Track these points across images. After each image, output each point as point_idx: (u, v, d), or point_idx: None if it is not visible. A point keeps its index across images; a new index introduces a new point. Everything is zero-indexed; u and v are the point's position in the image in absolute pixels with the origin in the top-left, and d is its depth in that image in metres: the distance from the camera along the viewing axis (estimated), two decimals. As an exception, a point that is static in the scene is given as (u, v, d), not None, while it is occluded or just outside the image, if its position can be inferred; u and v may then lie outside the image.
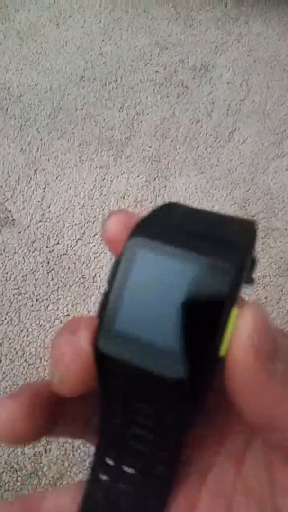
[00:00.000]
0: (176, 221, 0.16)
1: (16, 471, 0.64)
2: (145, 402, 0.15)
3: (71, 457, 0.65)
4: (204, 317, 0.14)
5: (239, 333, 0.13)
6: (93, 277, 0.77)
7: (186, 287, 0.14)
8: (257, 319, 0.13)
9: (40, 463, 0.65)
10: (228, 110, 0.97)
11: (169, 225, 0.15)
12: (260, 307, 0.14)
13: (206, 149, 0.91)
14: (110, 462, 0.17)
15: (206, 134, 0.93)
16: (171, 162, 0.89)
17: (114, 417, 0.16)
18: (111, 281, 0.15)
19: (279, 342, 0.14)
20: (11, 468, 0.64)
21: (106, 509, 0.17)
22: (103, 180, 0.85)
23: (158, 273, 0.14)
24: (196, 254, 0.14)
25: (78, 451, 0.66)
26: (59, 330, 0.16)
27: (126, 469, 0.17)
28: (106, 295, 0.15)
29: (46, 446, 0.66)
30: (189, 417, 0.15)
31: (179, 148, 0.91)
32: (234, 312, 0.14)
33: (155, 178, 0.87)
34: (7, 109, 0.91)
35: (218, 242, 0.15)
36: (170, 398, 0.15)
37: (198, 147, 0.91)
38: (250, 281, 0.17)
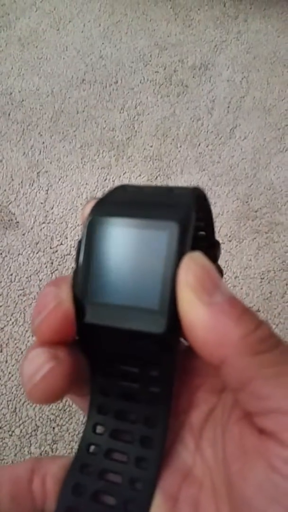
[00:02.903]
0: (126, 198, 0.18)
1: (23, 470, 0.64)
2: (130, 362, 0.17)
3: (77, 455, 0.65)
4: (163, 271, 0.15)
5: (179, 277, 0.15)
6: (97, 277, 0.78)
7: (141, 249, 0.16)
8: (190, 262, 0.15)
9: (47, 461, 0.65)
10: (228, 107, 0.97)
11: (120, 202, 0.17)
12: (197, 255, 0.15)
13: (207, 147, 0.91)
14: (101, 420, 0.18)
15: (207, 131, 0.93)
16: (172, 161, 0.89)
17: (102, 380, 0.18)
18: (77, 258, 0.16)
19: (216, 280, 0.15)
20: (18, 467, 0.64)
21: (102, 462, 0.18)
22: (105, 180, 0.86)
23: (115, 243, 0.16)
24: (143, 220, 0.16)
25: (84, 449, 0.66)
26: (46, 283, 0.17)
27: (119, 427, 0.18)
28: (75, 272, 0.16)
29: (52, 446, 0.66)
30: (170, 370, 0.17)
31: (180, 146, 0.91)
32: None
33: (156, 177, 0.87)
34: (9, 114, 0.92)
35: (160, 207, 0.16)
36: (152, 352, 0.16)
37: (199, 144, 0.91)
38: (214, 260, 0.19)
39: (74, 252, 0.79)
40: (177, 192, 0.18)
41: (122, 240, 0.16)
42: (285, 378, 0.15)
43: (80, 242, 0.16)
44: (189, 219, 0.16)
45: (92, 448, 0.18)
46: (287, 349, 0.15)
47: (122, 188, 0.18)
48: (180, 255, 0.15)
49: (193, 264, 0.15)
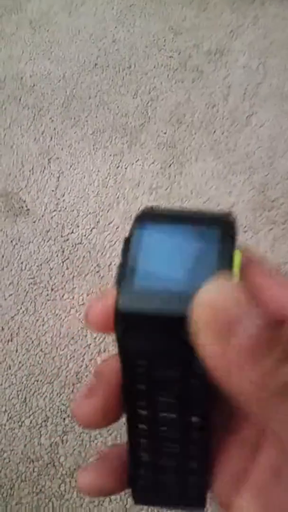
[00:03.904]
0: (166, 214, 0.18)
1: (32, 461, 0.63)
2: (169, 362, 0.16)
3: (87, 448, 0.64)
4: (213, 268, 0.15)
5: (197, 302, 0.14)
6: (109, 266, 0.76)
7: (191, 249, 0.16)
8: (213, 295, 0.14)
9: (57, 453, 0.64)
10: (244, 94, 0.95)
11: (163, 215, 0.18)
12: (224, 284, 0.14)
13: (222, 134, 0.89)
14: (143, 426, 0.18)
15: (223, 118, 0.91)
16: (187, 148, 0.87)
17: (138, 384, 0.17)
18: (124, 251, 0.16)
19: (234, 320, 0.14)
20: (27, 458, 0.63)
21: (153, 470, 0.18)
22: (117, 167, 0.84)
23: (165, 245, 0.16)
24: (191, 225, 0.16)
25: (95, 441, 0.64)
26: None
27: (161, 433, 0.18)
28: (121, 265, 0.16)
29: (62, 437, 0.65)
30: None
31: (195, 133, 0.88)
32: (237, 254, 0.16)
33: (170, 165, 0.85)
34: (20, 99, 0.90)
35: (205, 219, 0.17)
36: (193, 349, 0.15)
37: (214, 132, 0.89)
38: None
39: (86, 242, 0.77)
40: (215, 213, 0.18)
41: (172, 243, 0.16)
42: None
43: (127, 239, 0.16)
44: (235, 225, 0.16)
45: None
46: None
47: (155, 209, 0.18)
48: (231, 255, 0.16)
49: (205, 298, 0.14)
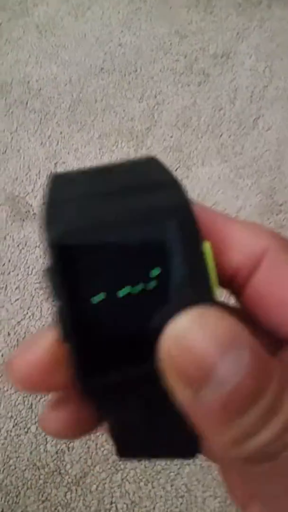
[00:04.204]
0: (83, 190, 0.13)
1: (38, 468, 0.63)
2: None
3: (94, 455, 0.63)
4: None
5: (166, 336, 0.11)
6: (115, 270, 0.75)
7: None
8: (184, 331, 0.11)
9: (63, 461, 0.63)
10: (251, 97, 0.94)
11: (82, 202, 0.13)
12: (203, 315, 0.11)
13: (229, 137, 0.88)
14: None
15: (230, 121, 0.90)
16: (193, 152, 0.86)
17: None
18: (55, 293, 0.12)
19: (207, 369, 0.11)
20: (33, 465, 0.63)
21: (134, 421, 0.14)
22: (123, 171, 0.83)
23: (109, 254, 0.12)
24: (131, 215, 0.12)
25: (102, 449, 0.64)
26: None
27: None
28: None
29: (68, 444, 0.64)
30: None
31: (201, 137, 0.88)
32: (207, 247, 0.12)
33: (176, 169, 0.84)
34: (27, 103, 0.90)
35: (143, 191, 0.13)
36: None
37: (221, 135, 0.88)
38: None
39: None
40: (141, 167, 0.14)
41: (114, 251, 0.12)
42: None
43: (50, 270, 0.12)
44: (185, 197, 0.13)
45: None
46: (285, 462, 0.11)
47: (62, 179, 0.14)
48: (199, 242, 0.12)
49: (172, 340, 0.11)
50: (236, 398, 0.11)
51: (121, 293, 0.12)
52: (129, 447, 0.16)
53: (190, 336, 0.11)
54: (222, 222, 0.14)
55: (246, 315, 0.14)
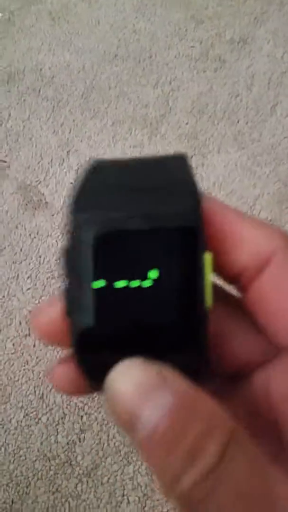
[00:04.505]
0: (113, 181, 0.15)
1: (49, 459, 0.62)
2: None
3: (105, 447, 0.62)
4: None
5: (106, 387, 0.13)
6: (128, 260, 0.74)
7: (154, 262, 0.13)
8: (119, 383, 0.12)
9: (74, 452, 0.62)
10: (269, 83, 0.91)
11: (110, 188, 0.14)
12: (133, 367, 0.13)
13: (246, 124, 0.86)
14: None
15: (247, 108, 0.88)
16: (209, 139, 0.84)
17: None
18: (66, 273, 0.14)
19: (133, 412, 0.12)
20: (44, 456, 0.62)
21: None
22: (137, 159, 0.82)
23: (121, 248, 0.13)
24: (145, 214, 0.13)
25: (113, 440, 0.62)
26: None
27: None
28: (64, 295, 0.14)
29: (80, 435, 0.63)
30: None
31: (218, 123, 0.85)
32: (207, 258, 0.13)
33: (192, 156, 0.82)
34: (39, 91, 0.89)
35: (162, 192, 0.14)
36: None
37: (238, 122, 0.86)
38: None
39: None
40: (168, 164, 0.15)
41: (126, 245, 0.13)
42: None
43: (67, 253, 0.14)
44: (198, 204, 0.13)
45: None
46: (227, 495, 0.11)
47: (98, 170, 0.16)
48: (200, 253, 0.13)
49: (109, 392, 0.13)
50: (158, 439, 0.11)
51: (117, 284, 0.13)
52: None
53: (117, 387, 0.12)
54: (233, 218, 0.14)
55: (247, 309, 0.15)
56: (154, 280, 0.13)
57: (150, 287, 0.13)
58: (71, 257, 0.14)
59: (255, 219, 0.14)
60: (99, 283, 0.13)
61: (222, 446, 0.11)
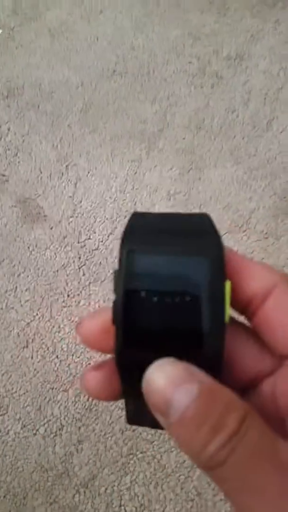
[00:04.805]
0: (152, 226, 0.18)
1: (46, 470, 0.62)
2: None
3: (103, 458, 0.63)
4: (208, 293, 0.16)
5: (144, 381, 0.16)
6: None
7: (183, 276, 0.16)
8: (145, 384, 0.16)
9: (71, 463, 0.62)
10: (265, 99, 0.93)
11: (149, 231, 0.18)
12: (164, 365, 0.16)
13: (243, 139, 0.87)
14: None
15: (243, 123, 0.89)
16: (206, 153, 0.85)
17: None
18: (116, 287, 0.17)
19: (166, 398, 0.15)
20: (41, 467, 0.62)
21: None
22: (135, 173, 0.83)
23: (156, 271, 0.16)
24: (182, 248, 0.17)
25: (111, 451, 0.63)
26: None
27: None
28: (115, 303, 0.17)
29: (77, 446, 0.63)
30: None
31: (214, 138, 0.87)
32: (227, 284, 0.16)
33: (189, 170, 0.84)
34: (38, 106, 0.90)
35: (191, 233, 0.17)
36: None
37: (234, 137, 0.87)
38: None
39: (103, 248, 0.76)
40: (195, 218, 0.19)
41: (163, 268, 0.16)
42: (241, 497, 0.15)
43: (117, 271, 0.17)
44: (222, 246, 0.17)
45: None
46: (243, 454, 0.14)
47: (140, 216, 0.19)
48: (223, 279, 0.16)
49: (146, 385, 0.16)
50: (188, 419, 0.15)
51: (163, 297, 0.16)
52: (137, 419, 0.20)
53: (153, 380, 0.15)
54: (244, 260, 0.18)
55: (255, 334, 0.18)
56: (185, 297, 0.16)
57: (184, 302, 0.16)
58: (118, 276, 0.17)
59: (261, 261, 0.18)
60: (145, 294, 0.16)
61: (239, 421, 0.14)
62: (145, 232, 0.17)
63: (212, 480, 0.15)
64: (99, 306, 0.73)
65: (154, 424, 0.20)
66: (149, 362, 0.16)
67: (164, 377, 0.15)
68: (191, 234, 0.17)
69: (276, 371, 0.18)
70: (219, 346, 0.16)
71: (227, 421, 0.14)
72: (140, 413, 0.19)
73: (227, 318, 0.16)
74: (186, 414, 0.15)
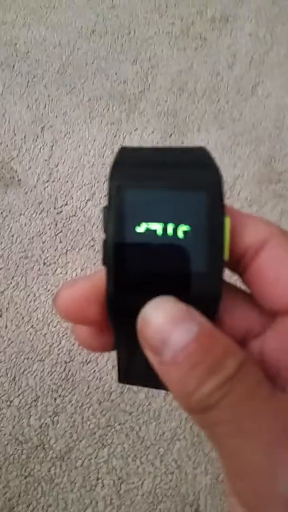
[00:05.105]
0: (143, 158, 0.17)
1: (21, 443, 0.59)
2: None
3: (79, 430, 0.60)
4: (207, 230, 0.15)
5: (140, 316, 0.15)
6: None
7: (180, 212, 0.15)
8: (151, 313, 0.15)
9: (47, 435, 0.60)
10: (250, 62, 0.90)
11: (140, 163, 0.16)
12: (164, 302, 0.15)
13: (227, 103, 0.84)
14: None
15: (227, 87, 0.86)
16: (189, 117, 0.82)
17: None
18: (106, 227, 0.15)
19: (163, 335, 0.15)
20: (16, 440, 0.59)
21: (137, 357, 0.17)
22: (114, 137, 0.79)
23: (150, 209, 0.15)
24: (177, 181, 0.15)
25: (88, 422, 0.60)
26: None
27: None
28: (105, 242, 0.15)
29: (53, 418, 0.61)
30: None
31: (198, 102, 0.83)
32: (227, 220, 0.15)
33: (171, 134, 0.80)
34: (13, 66, 0.85)
35: (186, 167, 0.16)
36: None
37: (218, 100, 0.84)
38: None
39: (80, 215, 0.73)
40: (192, 151, 0.17)
41: (157, 203, 0.15)
42: (237, 440, 0.14)
43: (107, 208, 0.15)
44: (221, 179, 0.15)
45: None
46: (239, 397, 0.14)
47: (130, 151, 0.17)
48: (222, 214, 0.15)
49: (141, 321, 0.15)
50: (185, 358, 0.14)
51: (152, 229, 0.15)
52: (130, 375, 0.19)
53: (150, 315, 0.15)
54: (239, 213, 0.17)
55: (246, 295, 0.18)
56: (185, 233, 0.15)
57: (180, 238, 0.15)
58: (107, 214, 0.15)
59: (254, 215, 0.18)
60: (141, 228, 0.15)
61: (238, 365, 0.14)
62: (137, 165, 0.16)
63: (199, 424, 0.15)
64: (76, 275, 0.69)
65: (147, 382, 0.19)
66: (145, 300, 0.15)
67: (163, 315, 0.15)
68: (186, 166, 0.16)
69: (266, 329, 0.17)
70: (217, 286, 0.15)
71: (226, 364, 0.14)
72: (133, 367, 0.18)
73: (226, 256, 0.16)
74: (183, 353, 0.14)
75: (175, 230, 0.15)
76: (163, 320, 0.14)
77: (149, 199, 0.15)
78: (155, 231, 0.15)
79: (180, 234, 0.15)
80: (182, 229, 0.15)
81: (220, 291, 0.15)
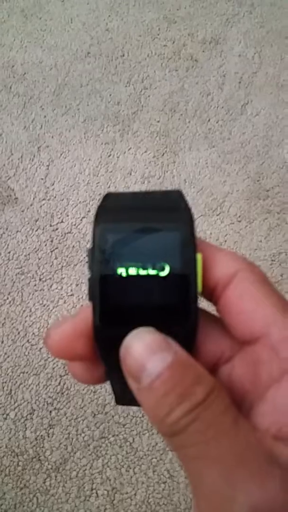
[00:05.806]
0: (124, 204, 0.19)
1: (17, 455, 0.61)
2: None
3: (74, 442, 0.62)
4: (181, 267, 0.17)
5: (122, 346, 0.16)
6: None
7: (156, 250, 0.17)
8: (131, 343, 0.16)
9: (42, 447, 0.61)
10: (240, 82, 0.93)
11: (122, 209, 0.18)
12: (141, 333, 0.16)
13: (217, 122, 0.87)
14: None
15: (217, 107, 0.89)
16: (180, 137, 0.85)
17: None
18: (90, 265, 0.17)
19: (141, 362, 0.16)
20: (12, 452, 0.61)
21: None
22: (109, 156, 0.82)
23: (130, 247, 0.17)
24: (153, 223, 0.17)
25: (82, 435, 0.62)
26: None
27: None
28: (90, 280, 0.17)
29: (48, 430, 0.62)
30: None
31: (189, 122, 0.86)
32: (199, 256, 0.17)
33: (163, 154, 0.83)
34: (10, 87, 0.88)
35: (163, 210, 0.18)
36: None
37: (209, 120, 0.87)
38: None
39: (76, 231, 0.75)
40: (168, 195, 0.19)
41: (136, 244, 0.17)
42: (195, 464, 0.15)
43: (92, 249, 0.17)
44: (192, 220, 0.17)
45: None
46: (206, 423, 0.15)
47: (113, 196, 0.19)
48: (194, 251, 0.17)
49: (123, 350, 0.16)
50: (159, 384, 0.15)
51: (131, 271, 0.17)
52: (124, 399, 0.20)
53: (131, 345, 0.16)
54: (210, 247, 0.19)
55: (220, 321, 0.19)
56: (162, 269, 0.17)
57: (158, 275, 0.17)
58: (92, 255, 0.17)
59: (225, 249, 0.19)
60: (122, 271, 0.17)
61: (207, 391, 0.15)
62: (118, 210, 0.18)
63: (171, 447, 0.17)
64: (71, 290, 0.71)
65: None
66: (127, 332, 0.17)
67: (142, 344, 0.16)
68: (162, 210, 0.18)
69: (235, 356, 0.19)
70: (192, 317, 0.17)
71: (195, 391, 0.15)
72: (126, 392, 0.19)
73: (199, 288, 0.17)
74: (157, 380, 0.15)
75: (153, 267, 0.17)
76: (141, 349, 0.16)
77: (129, 240, 0.17)
78: (135, 269, 0.17)
79: (157, 271, 0.17)
80: (159, 266, 0.16)
81: (194, 320, 0.17)
